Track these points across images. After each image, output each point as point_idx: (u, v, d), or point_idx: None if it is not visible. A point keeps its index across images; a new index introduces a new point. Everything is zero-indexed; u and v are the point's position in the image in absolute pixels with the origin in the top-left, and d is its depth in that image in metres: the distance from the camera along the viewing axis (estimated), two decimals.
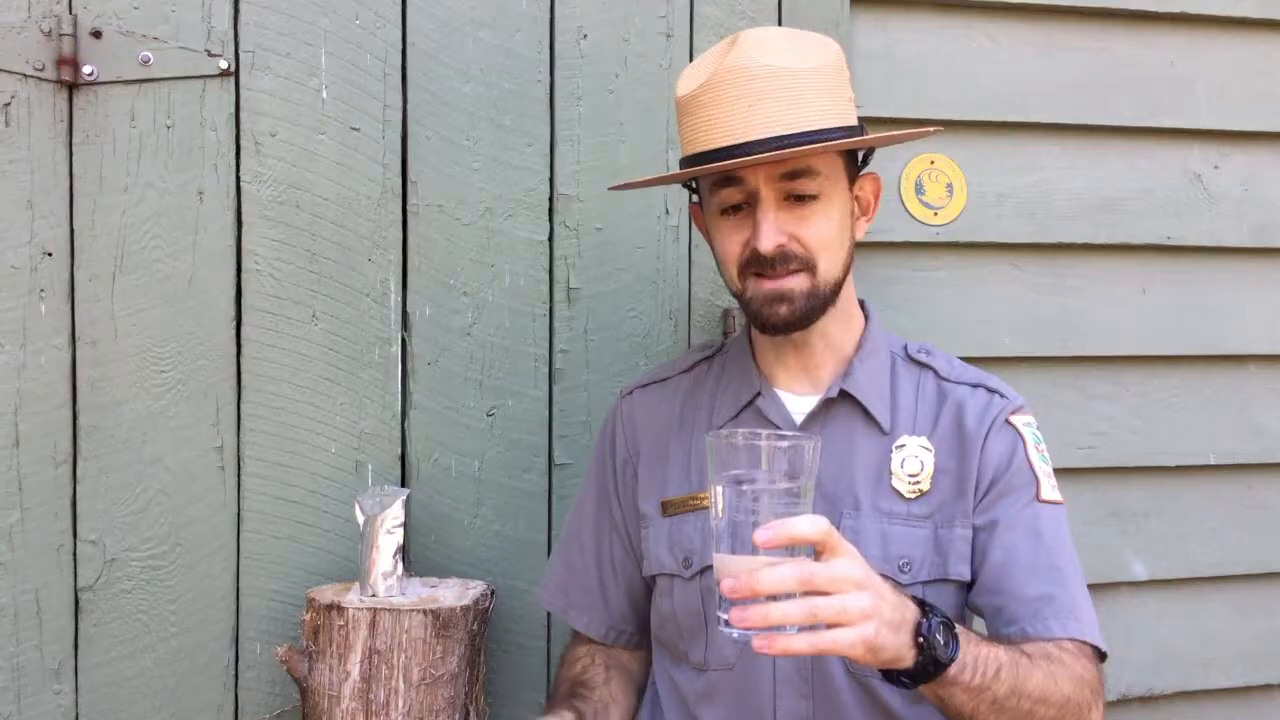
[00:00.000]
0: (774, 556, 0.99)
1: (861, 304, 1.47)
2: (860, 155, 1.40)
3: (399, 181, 1.65)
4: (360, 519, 1.53)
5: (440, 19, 1.65)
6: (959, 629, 1.11)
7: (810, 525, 0.98)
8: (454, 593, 1.54)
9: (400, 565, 1.51)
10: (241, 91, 1.59)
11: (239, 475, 1.61)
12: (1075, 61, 1.89)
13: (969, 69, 1.85)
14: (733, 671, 1.37)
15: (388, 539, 1.51)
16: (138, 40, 1.55)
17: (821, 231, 1.31)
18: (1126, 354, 1.94)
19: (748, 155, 1.25)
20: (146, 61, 1.55)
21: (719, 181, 1.33)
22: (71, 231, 1.54)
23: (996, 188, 1.88)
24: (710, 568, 1.14)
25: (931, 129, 1.43)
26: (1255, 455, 2.00)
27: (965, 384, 1.41)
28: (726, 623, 1.00)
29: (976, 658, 1.11)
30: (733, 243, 1.34)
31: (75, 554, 1.56)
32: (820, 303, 1.33)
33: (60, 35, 1.51)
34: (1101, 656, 1.29)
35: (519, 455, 1.70)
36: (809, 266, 1.31)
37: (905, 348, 1.45)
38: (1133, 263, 1.94)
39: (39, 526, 1.54)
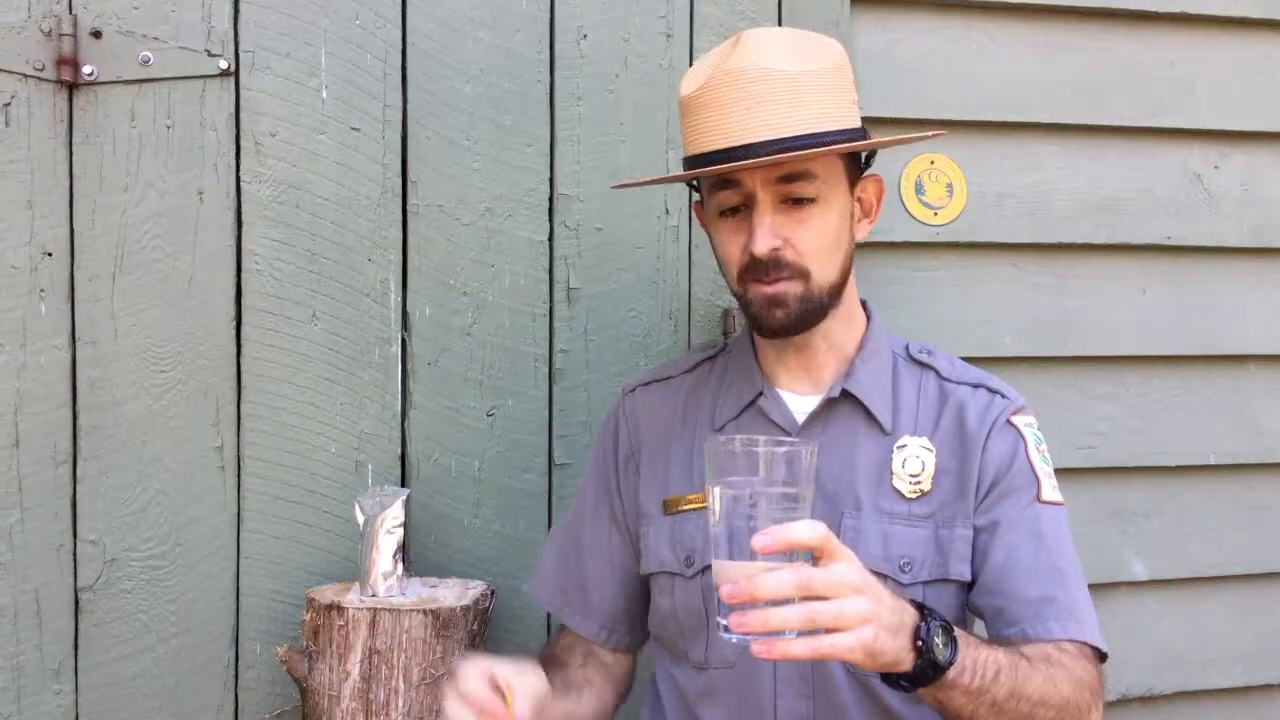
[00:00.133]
0: (772, 562, 0.99)
1: (864, 304, 1.46)
2: (863, 157, 1.40)
3: (399, 181, 1.65)
4: (360, 519, 1.53)
5: (440, 19, 1.65)
6: (958, 632, 1.11)
7: (808, 530, 0.98)
8: (454, 593, 1.54)
9: (400, 565, 1.51)
10: (241, 91, 1.59)
11: (239, 475, 1.61)
12: (1075, 61, 1.89)
13: (969, 69, 1.85)
14: (733, 670, 1.37)
15: (388, 539, 1.51)
16: (138, 40, 1.54)
17: (817, 235, 1.31)
18: (1126, 354, 1.94)
19: (744, 158, 1.25)
20: (146, 61, 1.55)
21: (718, 183, 1.33)
22: (71, 231, 1.54)
23: (996, 188, 1.88)
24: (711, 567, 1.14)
25: (934, 133, 1.43)
26: (1255, 455, 2.00)
27: (966, 384, 1.41)
28: (726, 628, 1.00)
29: (975, 661, 1.11)
30: (732, 245, 1.34)
31: (75, 554, 1.56)
32: (816, 307, 1.33)
33: (60, 35, 1.51)
34: (1102, 657, 1.29)
35: (519, 455, 1.70)
36: (801, 274, 1.31)
37: (907, 348, 1.45)
38: (1133, 263, 1.94)
39: (39, 526, 1.54)
